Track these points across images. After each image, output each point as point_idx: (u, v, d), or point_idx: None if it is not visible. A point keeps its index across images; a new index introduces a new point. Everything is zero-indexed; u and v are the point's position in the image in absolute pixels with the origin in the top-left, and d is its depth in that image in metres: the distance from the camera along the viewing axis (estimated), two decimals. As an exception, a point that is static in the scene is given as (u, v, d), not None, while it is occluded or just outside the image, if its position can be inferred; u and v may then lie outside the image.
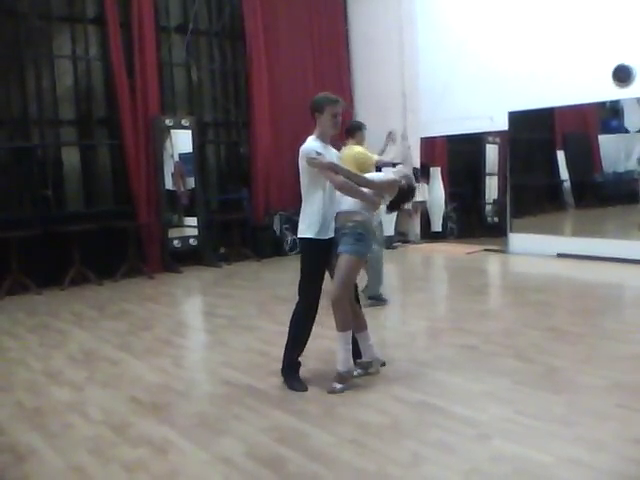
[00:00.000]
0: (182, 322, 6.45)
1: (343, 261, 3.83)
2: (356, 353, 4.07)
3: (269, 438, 3.24)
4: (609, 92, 7.85)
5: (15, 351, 5.18)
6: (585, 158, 9.98)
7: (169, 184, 8.95)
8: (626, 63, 7.61)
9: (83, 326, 5.93)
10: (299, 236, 4.03)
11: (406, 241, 10.40)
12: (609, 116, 9.34)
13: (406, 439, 3.17)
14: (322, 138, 4.00)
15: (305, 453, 3.05)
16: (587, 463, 2.82)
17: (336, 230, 3.92)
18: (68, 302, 7.04)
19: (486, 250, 9.26)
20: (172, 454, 3.15)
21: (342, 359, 3.89)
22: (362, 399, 3.71)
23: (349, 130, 6.13)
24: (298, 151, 3.98)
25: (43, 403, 3.93)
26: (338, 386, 3.85)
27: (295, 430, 3.33)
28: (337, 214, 3.93)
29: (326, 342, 4.61)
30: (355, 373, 4.01)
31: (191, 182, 9.12)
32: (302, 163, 3.92)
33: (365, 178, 3.95)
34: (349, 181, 3.85)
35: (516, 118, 8.89)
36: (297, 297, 4.02)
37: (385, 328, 5.49)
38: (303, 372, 4.08)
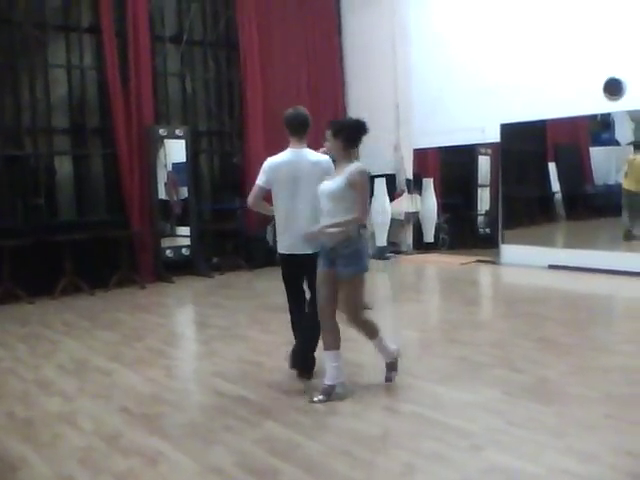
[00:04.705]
0: (174, 332, 6.43)
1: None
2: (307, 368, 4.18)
3: (261, 449, 3.24)
4: (600, 105, 7.93)
5: (6, 361, 5.15)
6: (576, 170, 10.04)
7: (162, 194, 8.96)
8: (617, 76, 7.69)
9: (74, 336, 5.90)
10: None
11: (398, 252, 10.42)
12: (600, 129, 9.41)
13: (398, 450, 3.18)
14: None
15: (296, 464, 3.04)
16: (577, 473, 2.83)
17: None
18: (60, 312, 7.01)
19: (478, 261, 9.29)
20: (163, 465, 3.14)
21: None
22: (354, 410, 3.71)
23: None
24: None
25: (34, 413, 3.91)
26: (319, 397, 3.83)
27: (286, 441, 3.33)
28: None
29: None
30: (315, 399, 3.82)
31: (184, 192, 9.13)
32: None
33: None
34: None
35: (508, 130, 8.95)
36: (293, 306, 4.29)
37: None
38: (293, 383, 4.12)
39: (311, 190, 3.98)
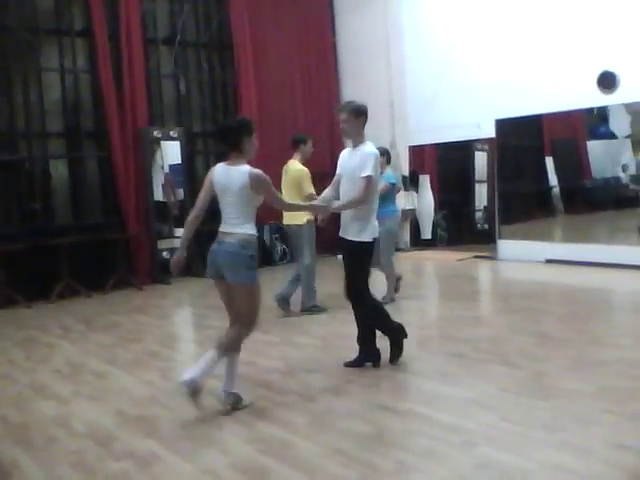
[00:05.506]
0: (171, 334, 6.42)
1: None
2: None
3: (254, 449, 3.22)
4: (595, 98, 7.91)
5: (1, 366, 5.14)
6: (574, 164, 10.02)
7: (159, 195, 8.94)
8: (610, 69, 7.68)
9: (71, 339, 5.90)
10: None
11: (396, 249, 10.39)
12: (597, 122, 9.37)
13: (392, 448, 3.16)
14: None
15: (290, 464, 3.03)
16: (572, 469, 2.81)
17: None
18: (56, 315, 7.00)
19: (476, 257, 9.28)
20: (157, 467, 3.12)
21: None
22: (347, 408, 3.69)
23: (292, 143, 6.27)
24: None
25: (28, 417, 3.90)
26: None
27: (280, 441, 3.31)
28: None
29: (310, 350, 4.63)
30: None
31: (181, 193, 9.11)
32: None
33: None
34: None
35: (503, 125, 8.94)
36: None
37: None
38: (288, 382, 4.10)
39: None
